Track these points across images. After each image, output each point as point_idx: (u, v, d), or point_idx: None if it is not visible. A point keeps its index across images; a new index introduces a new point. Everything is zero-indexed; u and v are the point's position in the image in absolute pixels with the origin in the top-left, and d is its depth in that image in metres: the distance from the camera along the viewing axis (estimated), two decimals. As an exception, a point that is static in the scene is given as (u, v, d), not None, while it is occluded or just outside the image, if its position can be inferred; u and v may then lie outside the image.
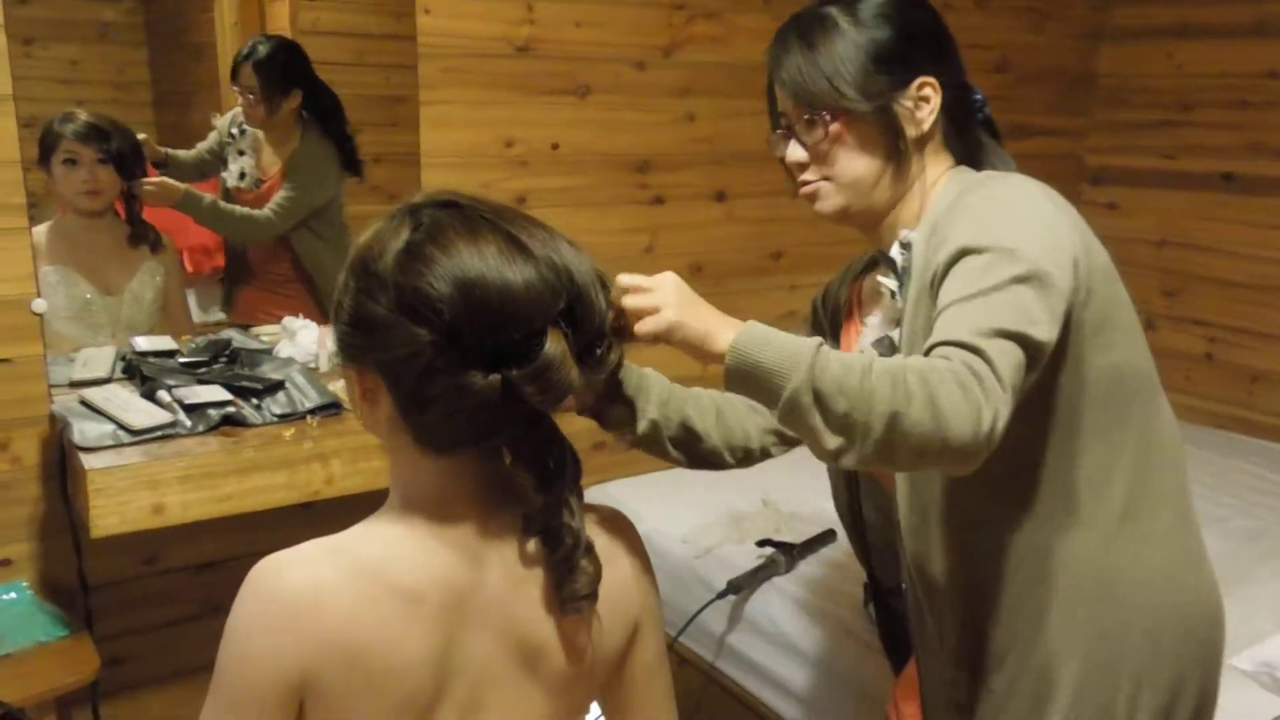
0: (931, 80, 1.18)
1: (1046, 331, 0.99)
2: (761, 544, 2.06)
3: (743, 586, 1.96)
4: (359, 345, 0.86)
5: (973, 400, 0.92)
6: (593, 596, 0.89)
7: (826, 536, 2.13)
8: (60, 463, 1.79)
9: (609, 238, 2.41)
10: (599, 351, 0.90)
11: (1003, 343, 0.96)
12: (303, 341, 2.03)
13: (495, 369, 0.82)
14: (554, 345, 0.83)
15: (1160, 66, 3.10)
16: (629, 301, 1.00)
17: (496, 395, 0.82)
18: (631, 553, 0.98)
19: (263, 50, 2.19)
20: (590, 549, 0.89)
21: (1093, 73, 3.20)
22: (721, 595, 1.96)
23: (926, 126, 1.19)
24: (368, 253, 0.86)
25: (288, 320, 2.10)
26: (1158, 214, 3.13)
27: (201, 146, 2.28)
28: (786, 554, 2.03)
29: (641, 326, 0.99)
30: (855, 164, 1.19)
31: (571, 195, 2.36)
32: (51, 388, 1.83)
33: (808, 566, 2.05)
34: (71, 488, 1.74)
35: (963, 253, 1.04)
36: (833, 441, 0.92)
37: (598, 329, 0.88)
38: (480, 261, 0.82)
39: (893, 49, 1.17)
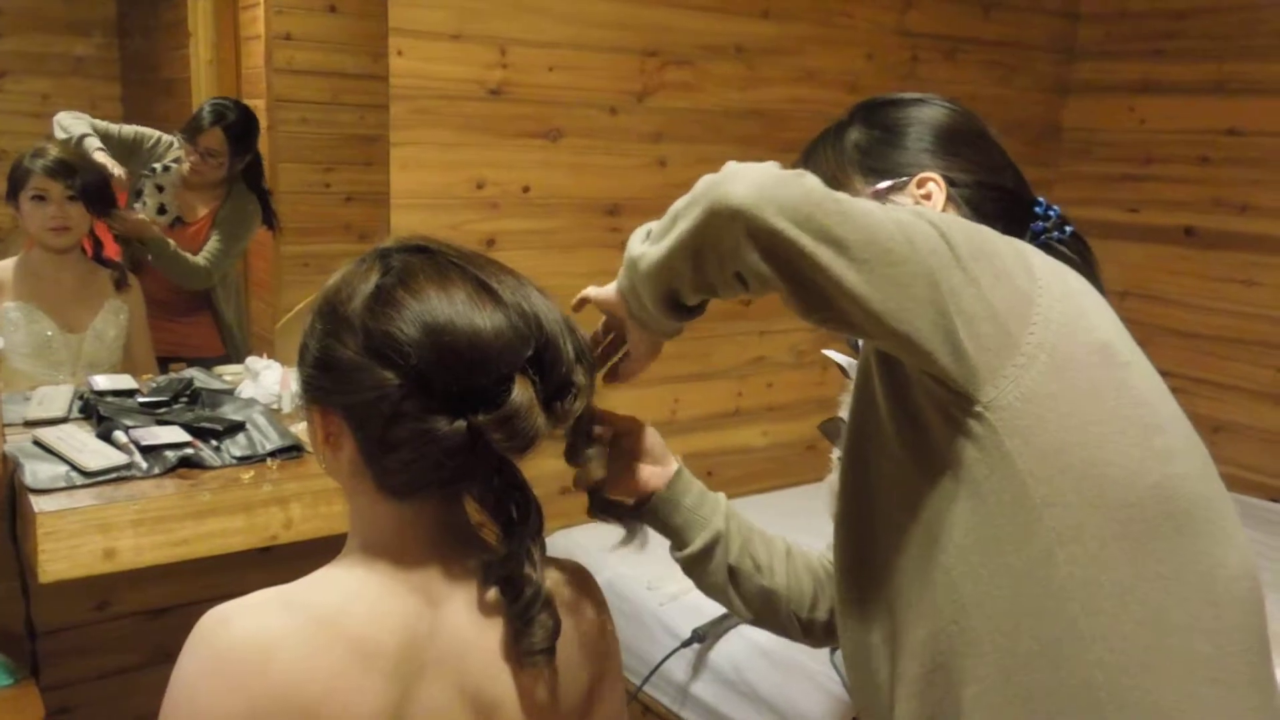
0: (934, 176, 1.08)
1: None
2: (729, 591, 2.04)
3: (707, 634, 1.94)
4: (324, 388, 0.85)
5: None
6: (550, 651, 0.88)
7: (795, 584, 2.12)
8: (11, 504, 1.74)
9: (579, 280, 2.36)
10: (565, 400, 0.88)
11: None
12: (265, 382, 2.00)
13: (462, 415, 0.81)
14: (521, 392, 0.82)
15: (1124, 121, 3.17)
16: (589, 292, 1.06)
17: (462, 441, 0.81)
18: (593, 608, 0.97)
19: (232, 116, 2.23)
20: (550, 603, 0.88)
21: (1058, 126, 3.27)
22: (686, 643, 1.93)
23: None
24: (336, 296, 0.85)
25: (251, 360, 2.07)
26: (1121, 266, 3.18)
27: (123, 130, 2.25)
28: (754, 602, 2.01)
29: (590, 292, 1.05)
30: None
31: (542, 238, 2.35)
32: (5, 426, 1.79)
33: (775, 615, 2.03)
34: (21, 530, 1.69)
35: None
36: (737, 193, 0.83)
37: (565, 377, 0.87)
38: (450, 307, 0.82)
39: (878, 146, 1.11)
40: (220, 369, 2.18)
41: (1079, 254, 1.09)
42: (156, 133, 2.26)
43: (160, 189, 2.24)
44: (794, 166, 1.06)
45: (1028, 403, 0.86)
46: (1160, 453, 0.89)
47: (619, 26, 2.37)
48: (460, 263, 0.86)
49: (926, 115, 1.13)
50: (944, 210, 1.07)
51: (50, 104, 2.16)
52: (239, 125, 2.23)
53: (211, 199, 2.29)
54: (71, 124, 2.14)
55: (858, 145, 1.11)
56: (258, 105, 2.33)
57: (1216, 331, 3.00)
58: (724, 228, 0.85)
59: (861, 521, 1.04)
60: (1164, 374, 0.98)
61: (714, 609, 2.00)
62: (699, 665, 1.96)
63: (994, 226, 0.96)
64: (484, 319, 0.82)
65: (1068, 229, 1.11)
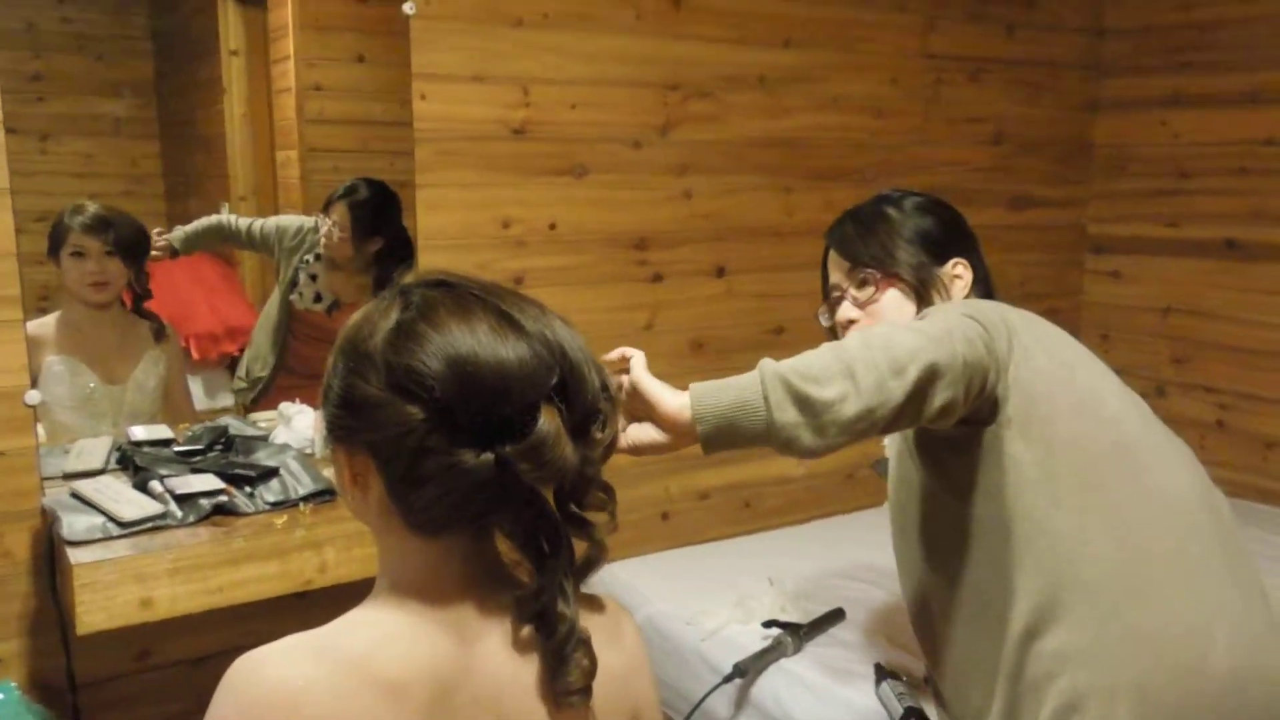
0: (964, 261, 1.47)
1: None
2: (768, 625, 2.01)
3: (749, 669, 1.90)
4: (349, 426, 0.84)
5: (927, 323, 1.18)
6: (586, 691, 0.86)
7: (835, 616, 2.08)
8: (50, 557, 1.76)
9: (608, 315, 2.41)
10: (594, 428, 0.87)
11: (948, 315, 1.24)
12: (299, 427, 2.01)
13: (488, 447, 0.80)
14: (548, 421, 0.81)
15: (1156, 135, 3.12)
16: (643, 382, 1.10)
17: (490, 473, 0.80)
18: (629, 645, 0.95)
19: (362, 194, 2.28)
20: (585, 642, 0.86)
21: (1089, 142, 3.23)
22: (728, 679, 1.89)
23: (959, 298, 1.45)
24: (357, 333, 0.85)
25: (284, 406, 2.08)
26: (1162, 282, 3.12)
27: (252, 225, 2.31)
28: (794, 635, 1.97)
29: (623, 349, 1.12)
30: (899, 316, 1.42)
31: (569, 274, 2.36)
32: (45, 480, 1.81)
33: (816, 647, 1.99)
34: (60, 583, 1.70)
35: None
36: (833, 389, 1.06)
37: (591, 405, 0.86)
38: (472, 338, 0.81)
39: (932, 234, 1.47)
40: (255, 415, 2.19)
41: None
42: (299, 220, 2.30)
43: (314, 278, 2.28)
44: (837, 226, 1.54)
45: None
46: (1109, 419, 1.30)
47: (639, 62, 2.38)
48: (481, 294, 0.85)
49: (953, 216, 1.53)
50: (965, 287, 1.47)
51: (92, 164, 2.22)
52: (364, 203, 2.27)
53: (365, 278, 2.31)
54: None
55: (912, 228, 1.47)
56: (290, 156, 2.36)
57: (1264, 345, 2.92)
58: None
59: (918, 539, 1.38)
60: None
61: (755, 643, 1.96)
62: (741, 701, 1.92)
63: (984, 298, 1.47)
64: (507, 349, 0.81)
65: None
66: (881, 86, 2.75)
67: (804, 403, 1.06)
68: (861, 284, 1.46)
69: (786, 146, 2.63)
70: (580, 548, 0.89)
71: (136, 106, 2.29)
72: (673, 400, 1.07)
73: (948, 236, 1.48)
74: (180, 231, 2.25)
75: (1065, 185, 3.18)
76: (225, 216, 2.31)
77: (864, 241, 1.47)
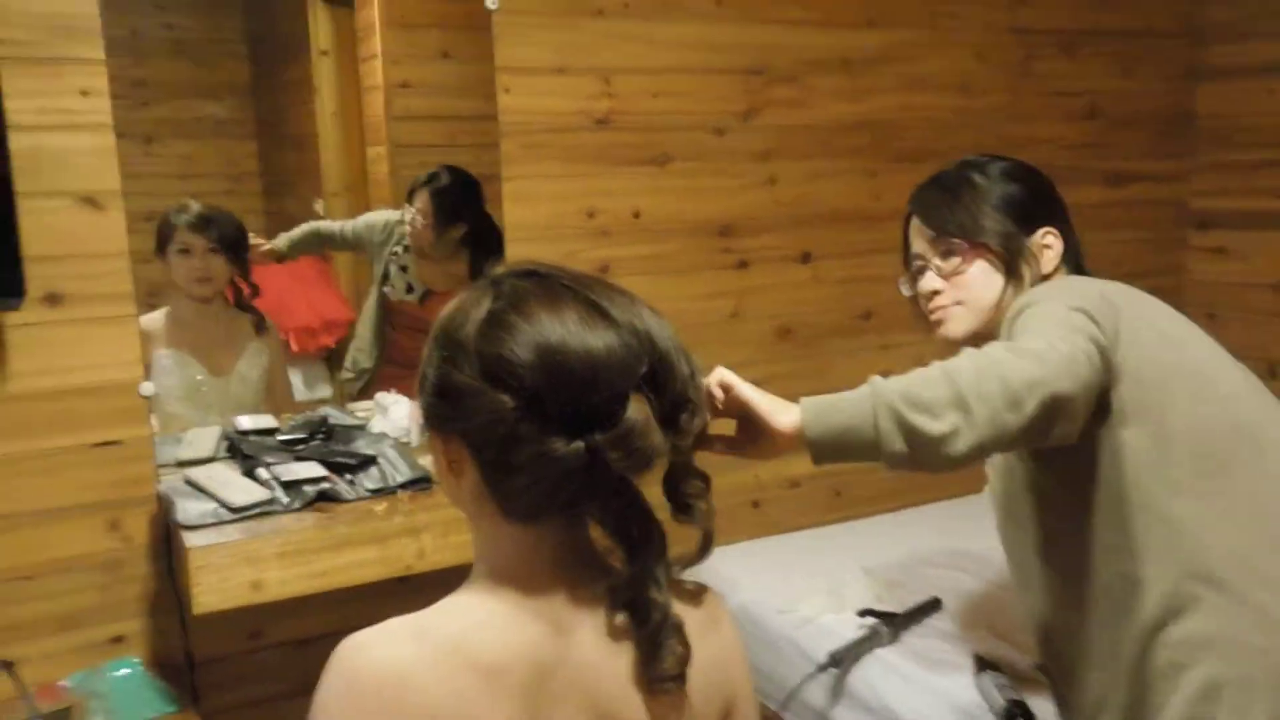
0: (1054, 231, 1.41)
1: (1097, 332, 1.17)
2: (863, 614, 1.99)
3: (844, 658, 1.89)
4: (444, 415, 0.87)
5: (1044, 340, 1.10)
6: (681, 678, 0.87)
7: (932, 605, 2.05)
8: (166, 541, 1.84)
9: (693, 303, 2.41)
10: (683, 417, 0.88)
11: (1060, 323, 1.17)
12: (395, 416, 2.06)
13: (578, 435, 0.81)
14: (637, 410, 0.82)
15: (1264, 104, 2.98)
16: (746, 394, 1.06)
17: (580, 462, 0.81)
18: (722, 631, 0.96)
19: (443, 180, 2.33)
20: (679, 628, 0.87)
21: (1191, 114, 3.10)
22: (822, 668, 1.89)
23: (1049, 269, 1.40)
24: (450, 323, 0.87)
25: (380, 396, 2.14)
26: (1272, 257, 2.99)
27: (345, 227, 2.38)
28: (890, 624, 1.95)
29: (721, 373, 1.06)
30: (986, 289, 1.39)
31: (654, 263, 2.36)
32: (159, 468, 1.90)
33: (913, 637, 1.96)
34: (176, 565, 1.78)
35: (1014, 317, 1.24)
36: (943, 423, 1.03)
37: (681, 393, 0.87)
38: (561, 327, 0.82)
39: (1021, 200, 1.41)
40: (353, 405, 2.26)
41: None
42: (386, 215, 2.37)
43: (404, 269, 2.35)
44: (920, 192, 1.48)
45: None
46: (1225, 398, 1.25)
47: (721, 48, 2.37)
48: (571, 284, 0.86)
49: (1041, 181, 1.47)
50: (1057, 256, 1.42)
51: (193, 165, 2.31)
52: (445, 190, 2.32)
53: (454, 266, 2.37)
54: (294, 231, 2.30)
55: (1000, 194, 1.41)
56: (380, 152, 2.42)
57: (1384, 321, 2.78)
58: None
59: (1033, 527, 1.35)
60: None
61: (850, 632, 1.95)
62: (837, 690, 1.91)
63: (1076, 269, 1.45)
64: (596, 338, 0.82)
65: None
66: (968, 63, 2.69)
67: (913, 436, 1.04)
68: (946, 254, 1.41)
69: (872, 129, 2.59)
70: (677, 542, 0.90)
71: (234, 108, 2.37)
72: (784, 419, 1.05)
73: (1036, 204, 1.42)
74: (284, 239, 2.34)
75: (1165, 159, 3.06)
76: (320, 223, 2.38)
77: (949, 209, 1.41)
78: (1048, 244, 1.41)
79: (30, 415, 1.77)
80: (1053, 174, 1.54)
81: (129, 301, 1.83)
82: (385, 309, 2.40)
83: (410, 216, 2.33)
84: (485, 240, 2.32)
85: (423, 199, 2.32)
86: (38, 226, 1.71)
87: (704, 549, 0.91)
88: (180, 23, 2.29)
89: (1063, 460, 1.25)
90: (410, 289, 2.37)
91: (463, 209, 2.33)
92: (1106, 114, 2.91)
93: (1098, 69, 2.88)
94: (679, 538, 0.92)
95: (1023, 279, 1.38)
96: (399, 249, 2.36)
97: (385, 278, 2.38)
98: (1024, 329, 1.18)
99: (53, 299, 1.76)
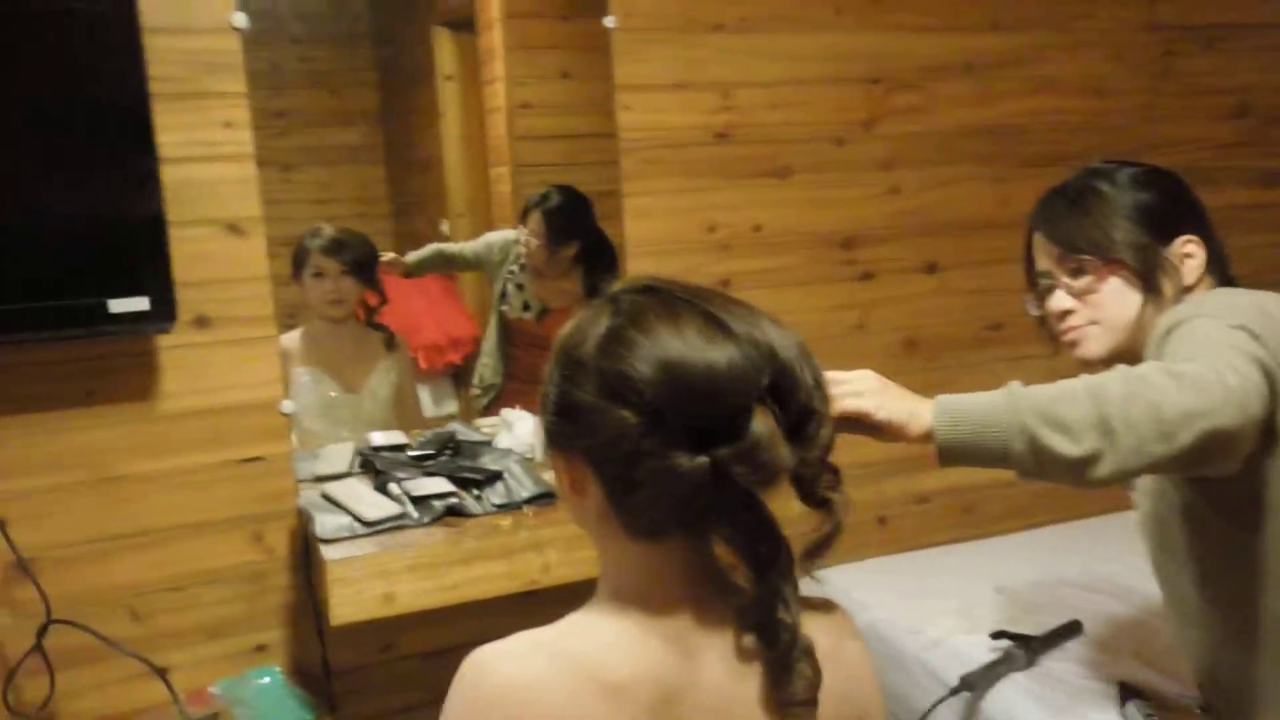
0: (1195, 238, 1.31)
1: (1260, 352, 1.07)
2: (997, 636, 1.92)
3: (977, 683, 1.82)
4: (566, 433, 0.87)
5: (1207, 365, 0.99)
6: (812, 703, 0.85)
7: (1071, 628, 1.96)
8: (305, 553, 1.91)
9: (817, 315, 2.38)
10: (809, 428, 0.86)
11: (1228, 351, 1.05)
12: (520, 432, 2.10)
13: (702, 450, 0.80)
14: (761, 423, 0.80)
15: None
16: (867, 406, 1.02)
17: (705, 477, 0.80)
18: (853, 653, 0.93)
19: (554, 200, 2.38)
20: (809, 651, 0.85)
21: (1351, 107, 2.90)
22: (954, 692, 1.82)
23: (1191, 280, 1.30)
24: (570, 342, 0.87)
25: (505, 412, 2.18)
26: None
27: (465, 248, 2.45)
28: (1026, 647, 1.87)
29: (840, 404, 1.00)
30: (1123, 307, 1.29)
31: (776, 276, 2.34)
32: (299, 482, 1.97)
33: (1051, 662, 1.88)
34: (314, 577, 1.85)
35: (1165, 334, 1.14)
36: (1082, 447, 0.95)
37: (805, 404, 0.85)
38: (681, 342, 0.82)
39: (1155, 209, 1.31)
40: (479, 421, 2.31)
41: None
42: (503, 235, 2.44)
43: (520, 287, 2.42)
44: (1043, 205, 1.37)
45: None
46: None
47: (840, 58, 2.34)
48: (689, 298, 0.86)
49: (1175, 184, 1.36)
50: (1199, 266, 1.31)
51: (328, 190, 2.41)
52: (556, 209, 2.36)
53: (568, 284, 2.42)
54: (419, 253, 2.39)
55: (1132, 204, 1.31)
56: (502, 173, 2.48)
57: None
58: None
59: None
60: None
61: (983, 654, 1.88)
62: (969, 715, 1.84)
63: (1222, 277, 1.35)
64: (716, 351, 0.81)
65: None
66: (1102, 64, 2.58)
67: (1048, 456, 0.98)
68: (1076, 272, 1.31)
69: (998, 134, 2.51)
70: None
71: (364, 134, 2.47)
72: (916, 429, 1.01)
73: (1172, 211, 1.31)
74: (413, 257, 2.41)
75: (1330, 162, 2.87)
76: (444, 244, 2.45)
77: (1076, 223, 1.31)
78: (1188, 253, 1.31)
79: (181, 433, 1.86)
80: (1197, 176, 1.45)
81: (270, 323, 1.91)
82: (505, 327, 2.45)
83: (524, 237, 2.38)
84: (598, 256, 2.35)
85: (535, 219, 2.37)
86: (186, 253, 1.81)
87: (828, 540, 0.88)
88: (315, 55, 2.40)
89: (1222, 487, 1.16)
90: (527, 307, 2.42)
91: (574, 227, 2.36)
92: (1258, 111, 2.75)
93: (1246, 65, 2.72)
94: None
95: (1163, 293, 1.28)
96: (515, 268, 2.41)
97: (503, 296, 2.43)
98: (1178, 349, 1.09)
99: (201, 322, 1.86)
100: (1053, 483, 1.01)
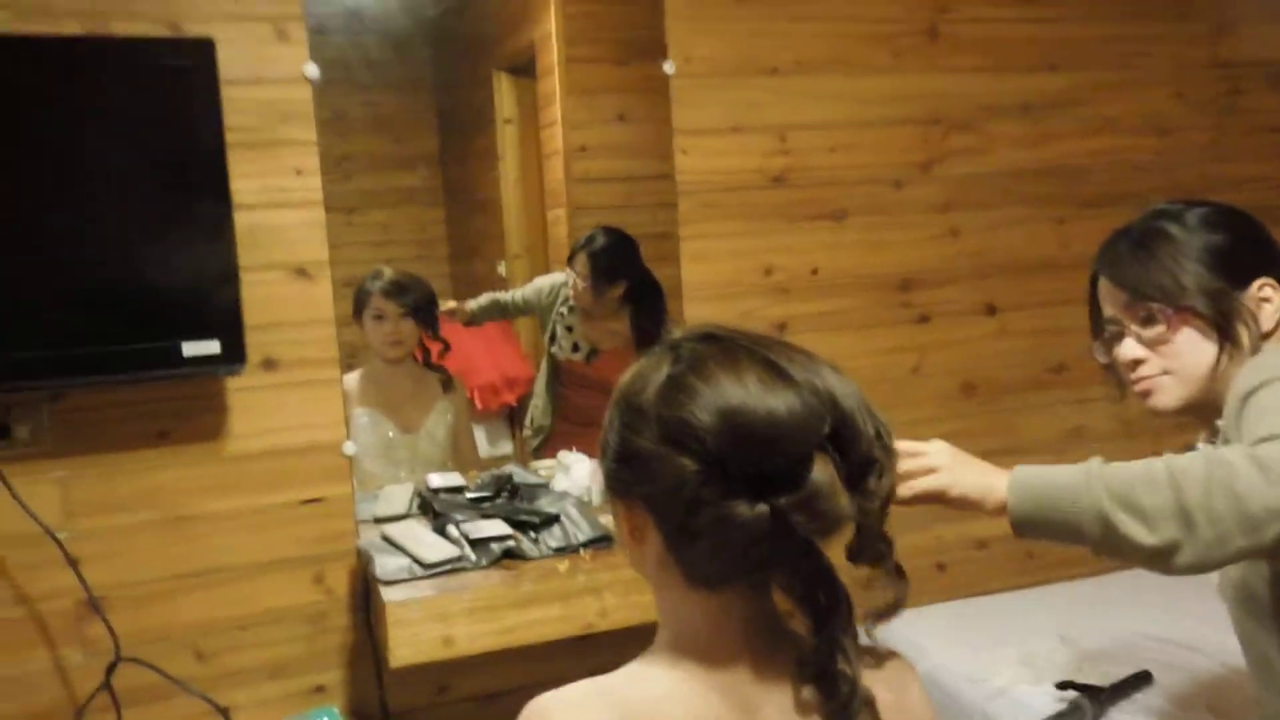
0: (1272, 281, 1.24)
1: None
2: (1063, 686, 1.87)
3: (1042, 734, 1.78)
4: (626, 480, 0.87)
5: None
6: None
7: (1141, 679, 1.90)
8: (364, 594, 1.93)
9: (873, 359, 2.36)
10: (870, 479, 0.86)
11: None
12: (576, 475, 2.10)
13: (762, 498, 0.80)
14: (822, 471, 0.80)
15: None
16: (902, 465, 1.01)
17: (765, 525, 0.80)
18: (915, 703, 0.92)
19: (599, 242, 2.40)
20: (870, 703, 0.84)
21: None
22: (1021, 743, 1.78)
23: (1270, 325, 1.23)
24: (630, 389, 0.88)
25: (562, 454, 2.18)
26: None
27: (515, 295, 2.49)
28: (1094, 699, 1.82)
29: (914, 485, 1.00)
30: (1198, 356, 1.23)
31: (833, 319, 2.34)
32: (359, 523, 2.00)
33: (1121, 714, 1.83)
34: (374, 619, 1.87)
35: (1248, 395, 1.07)
36: (1159, 536, 0.93)
37: (866, 454, 0.85)
38: (741, 389, 0.82)
39: (1228, 251, 1.24)
40: (536, 463, 2.32)
41: None
42: (552, 278, 2.48)
43: (569, 329, 2.45)
44: (1108, 249, 1.30)
45: None
46: None
47: (896, 100, 2.35)
48: (749, 345, 0.86)
49: (1248, 224, 1.28)
50: (1277, 311, 1.23)
51: (388, 232, 2.46)
52: (600, 252, 2.39)
53: (616, 324, 2.44)
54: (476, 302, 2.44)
55: (1203, 247, 1.24)
56: (559, 215, 2.51)
57: None
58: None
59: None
60: None
61: (1048, 705, 1.84)
62: (1036, 767, 1.80)
63: None
64: (777, 399, 0.81)
65: None
66: (1164, 102, 2.56)
67: (1124, 544, 0.96)
68: (1147, 321, 1.25)
69: (1057, 175, 2.49)
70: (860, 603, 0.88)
71: (425, 178, 2.52)
72: (993, 503, 1.01)
73: (1246, 252, 1.24)
74: (471, 305, 2.45)
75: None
76: (499, 293, 2.48)
77: (1144, 268, 1.24)
78: (1265, 297, 1.23)
79: (247, 474, 1.90)
80: (1266, 215, 1.41)
81: (334, 365, 1.95)
82: (556, 368, 2.47)
83: (572, 278, 2.40)
84: (646, 297, 2.36)
85: (581, 260, 2.39)
86: (256, 297, 1.86)
87: (895, 607, 0.89)
88: (379, 100, 2.46)
89: None
90: (576, 348, 2.43)
91: (621, 268, 2.38)
92: (1324, 148, 2.70)
93: (1312, 100, 2.68)
94: (869, 600, 0.89)
95: (1240, 342, 1.22)
96: (564, 310, 2.44)
97: (553, 338, 2.45)
98: (1260, 421, 1.03)
99: (269, 364, 1.90)
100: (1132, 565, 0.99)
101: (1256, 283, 1.24)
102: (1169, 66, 2.56)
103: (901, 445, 1.01)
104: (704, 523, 0.81)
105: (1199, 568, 0.96)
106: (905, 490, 1.03)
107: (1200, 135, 2.59)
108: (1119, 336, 1.30)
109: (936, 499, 1.02)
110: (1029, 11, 2.44)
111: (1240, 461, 0.95)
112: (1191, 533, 0.93)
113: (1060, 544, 1.00)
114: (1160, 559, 0.94)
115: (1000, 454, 2.70)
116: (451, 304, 2.41)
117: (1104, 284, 1.32)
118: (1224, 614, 1.37)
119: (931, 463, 1.02)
